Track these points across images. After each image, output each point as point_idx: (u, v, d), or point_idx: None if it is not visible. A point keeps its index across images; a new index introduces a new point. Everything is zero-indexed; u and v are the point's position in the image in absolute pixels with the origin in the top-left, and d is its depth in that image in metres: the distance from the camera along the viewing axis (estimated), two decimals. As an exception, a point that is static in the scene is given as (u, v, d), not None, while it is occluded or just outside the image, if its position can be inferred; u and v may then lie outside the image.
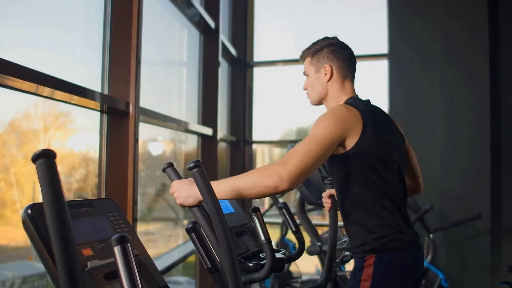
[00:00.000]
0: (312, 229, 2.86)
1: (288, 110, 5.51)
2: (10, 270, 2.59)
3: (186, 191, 1.65)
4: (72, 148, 2.60)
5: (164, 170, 1.72)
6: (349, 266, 3.01)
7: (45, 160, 0.84)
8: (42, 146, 2.39)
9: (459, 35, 4.31)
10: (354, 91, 2.06)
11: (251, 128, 5.37)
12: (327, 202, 2.27)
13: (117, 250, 0.95)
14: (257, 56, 5.46)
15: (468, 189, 4.15)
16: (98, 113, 2.45)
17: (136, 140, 2.43)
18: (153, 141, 3.56)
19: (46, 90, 1.88)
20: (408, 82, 4.54)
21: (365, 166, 1.86)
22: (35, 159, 0.84)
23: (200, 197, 1.64)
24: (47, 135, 2.38)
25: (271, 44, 5.59)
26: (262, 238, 1.70)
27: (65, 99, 2.08)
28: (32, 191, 2.50)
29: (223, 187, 1.66)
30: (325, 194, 2.31)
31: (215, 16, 4.13)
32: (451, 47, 4.34)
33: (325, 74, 2.03)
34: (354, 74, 2.08)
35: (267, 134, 5.60)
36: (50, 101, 2.28)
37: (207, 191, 1.40)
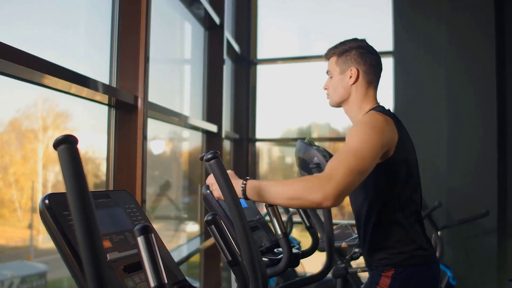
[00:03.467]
0: (321, 225, 2.82)
1: (292, 108, 5.48)
2: (9, 270, 2.56)
3: None
4: None
5: (206, 160, 1.49)
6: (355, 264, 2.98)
7: (67, 146, 0.82)
8: (41, 146, 2.36)
9: (465, 32, 4.29)
10: (376, 99, 1.97)
11: (254, 126, 5.34)
12: None
13: (140, 240, 0.91)
14: (260, 54, 5.43)
15: (475, 186, 4.13)
16: (99, 112, 2.40)
17: (145, 136, 2.39)
18: (156, 139, 3.52)
19: (51, 80, 1.80)
20: (413, 79, 4.51)
21: (395, 179, 1.80)
22: (56, 145, 0.82)
23: (238, 195, 1.55)
24: (46, 134, 2.35)
25: (275, 42, 5.57)
26: (279, 232, 1.66)
27: (72, 91, 2.02)
28: (31, 190, 2.47)
29: (263, 190, 1.61)
30: None
31: (220, 12, 4.09)
32: (457, 43, 4.31)
33: (350, 77, 1.93)
34: (379, 81, 1.99)
35: (271, 132, 5.57)
36: (50, 100, 2.23)
37: (225, 183, 1.37)
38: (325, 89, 2.06)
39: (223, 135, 4.16)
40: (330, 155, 2.67)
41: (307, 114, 5.50)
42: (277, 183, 1.64)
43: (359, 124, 1.75)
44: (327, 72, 2.04)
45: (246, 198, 1.63)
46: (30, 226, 2.55)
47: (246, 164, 5.21)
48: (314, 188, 1.55)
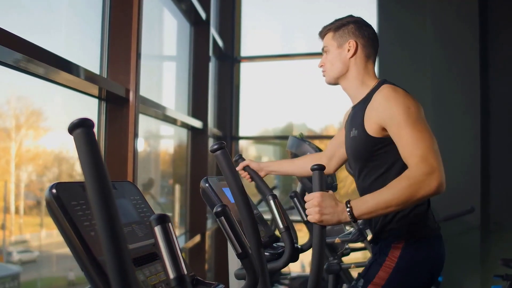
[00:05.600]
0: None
1: (273, 107, 5.47)
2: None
3: (331, 211, 1.57)
4: (45, 147, 2.49)
5: (312, 170, 1.57)
6: (348, 259, 2.97)
7: (83, 130, 0.77)
8: (14, 144, 2.29)
9: (451, 30, 4.34)
10: (375, 75, 1.95)
11: (237, 123, 5.30)
12: (245, 176, 2.27)
13: (158, 230, 0.88)
14: (243, 52, 5.40)
15: (458, 184, 4.16)
16: (84, 110, 2.33)
17: (136, 132, 2.32)
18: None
19: (38, 67, 1.68)
20: (398, 77, 4.49)
21: None
22: (72, 129, 0.77)
23: (345, 220, 1.57)
24: (19, 133, 2.28)
25: (258, 40, 5.55)
26: (281, 225, 1.64)
27: (61, 81, 1.93)
28: (3, 189, 2.40)
29: (372, 207, 1.57)
30: (239, 168, 2.27)
31: (206, 7, 4.04)
32: (442, 42, 4.36)
33: (348, 50, 1.90)
34: (376, 56, 1.97)
35: (249, 130, 5.54)
36: (23, 98, 2.15)
37: (231, 175, 1.34)
38: (321, 66, 2.01)
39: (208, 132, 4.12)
40: (320, 150, 2.67)
41: (286, 113, 5.50)
42: (381, 194, 1.59)
43: (393, 102, 1.72)
44: (323, 49, 2.00)
45: (355, 220, 1.58)
46: (2, 227, 2.48)
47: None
48: (423, 181, 1.54)
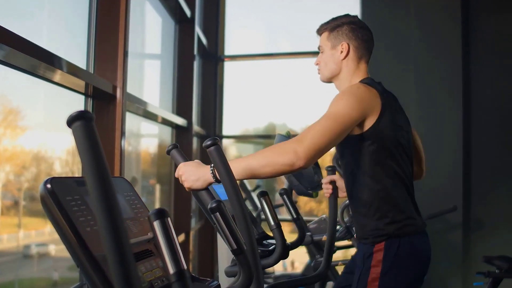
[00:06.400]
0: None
1: (257, 105, 5.47)
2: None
3: (194, 174, 1.60)
4: (23, 146, 2.44)
5: (168, 152, 1.65)
6: (335, 257, 2.98)
7: (83, 123, 0.75)
8: None
9: (435, 28, 4.38)
10: (367, 73, 2.00)
11: (221, 122, 5.28)
12: (327, 188, 2.25)
13: (157, 224, 0.87)
14: (228, 50, 5.38)
15: (441, 183, 4.21)
16: (66, 108, 2.30)
17: (123, 130, 2.29)
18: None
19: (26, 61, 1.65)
20: (381, 75, 4.52)
21: (381, 148, 1.82)
22: (70, 122, 0.75)
23: (209, 180, 1.58)
24: None
25: (242, 39, 5.53)
26: (272, 222, 1.64)
27: (48, 76, 1.89)
28: None
29: (235, 168, 1.57)
30: (325, 180, 2.28)
31: (191, 5, 4.00)
32: (426, 39, 4.38)
33: (341, 52, 1.95)
34: (370, 56, 2.02)
35: (235, 129, 5.53)
36: (2, 96, 2.12)
37: (225, 171, 1.33)
38: (317, 64, 2.06)
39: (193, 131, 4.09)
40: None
41: (268, 112, 5.51)
42: (247, 157, 1.65)
43: (339, 93, 1.81)
44: (319, 48, 2.05)
45: (218, 181, 1.58)
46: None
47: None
48: (284, 150, 1.60)
